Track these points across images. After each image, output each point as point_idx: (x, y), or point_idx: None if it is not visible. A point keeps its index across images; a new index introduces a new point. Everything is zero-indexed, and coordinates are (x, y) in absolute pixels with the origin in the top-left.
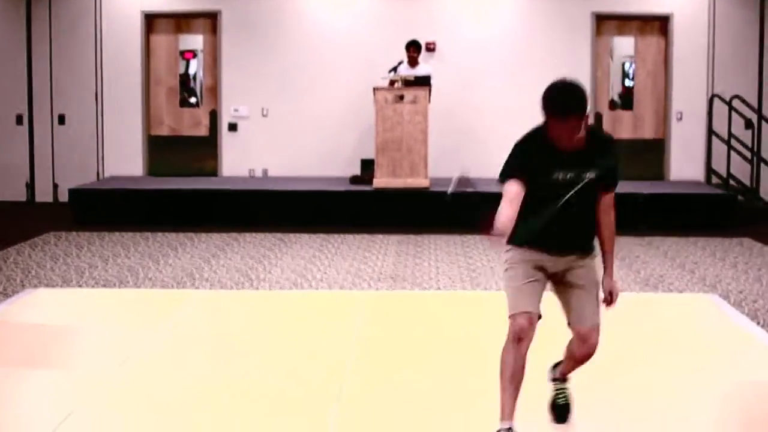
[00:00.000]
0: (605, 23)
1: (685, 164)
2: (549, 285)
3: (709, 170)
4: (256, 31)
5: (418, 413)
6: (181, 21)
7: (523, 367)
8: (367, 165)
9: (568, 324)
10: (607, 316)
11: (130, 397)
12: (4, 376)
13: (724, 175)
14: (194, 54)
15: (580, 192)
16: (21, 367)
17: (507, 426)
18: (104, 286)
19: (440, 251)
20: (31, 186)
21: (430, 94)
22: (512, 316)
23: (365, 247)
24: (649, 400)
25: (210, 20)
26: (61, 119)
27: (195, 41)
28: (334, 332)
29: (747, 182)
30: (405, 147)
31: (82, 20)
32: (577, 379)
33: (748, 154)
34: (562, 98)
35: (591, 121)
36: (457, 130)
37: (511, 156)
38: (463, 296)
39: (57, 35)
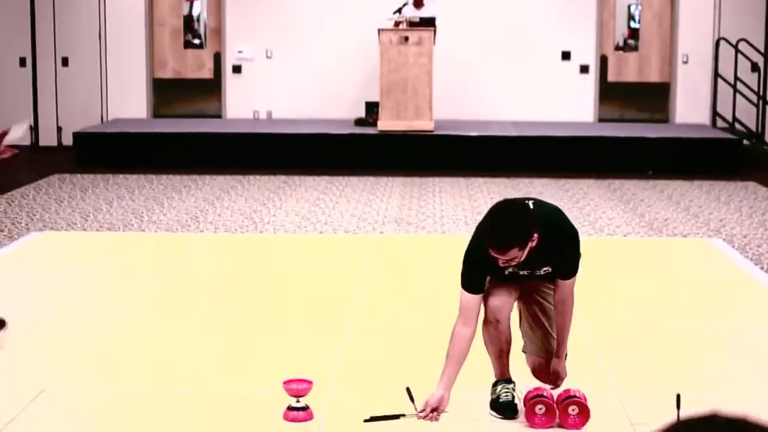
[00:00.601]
0: None
1: (691, 108)
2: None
3: (715, 114)
4: None
5: (422, 355)
6: None
7: (508, 341)
8: (372, 107)
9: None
10: (613, 261)
11: (136, 339)
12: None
13: (730, 119)
14: None
15: (537, 280)
16: (27, 309)
17: (505, 378)
18: (109, 229)
19: (444, 194)
20: (34, 129)
21: (435, 36)
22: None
23: (369, 190)
24: (652, 344)
25: None
26: (65, 61)
27: None
28: (338, 276)
29: (753, 126)
30: (410, 89)
31: None
32: (580, 323)
33: (754, 98)
34: (497, 237)
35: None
36: (461, 72)
37: (463, 266)
38: (467, 240)
39: None
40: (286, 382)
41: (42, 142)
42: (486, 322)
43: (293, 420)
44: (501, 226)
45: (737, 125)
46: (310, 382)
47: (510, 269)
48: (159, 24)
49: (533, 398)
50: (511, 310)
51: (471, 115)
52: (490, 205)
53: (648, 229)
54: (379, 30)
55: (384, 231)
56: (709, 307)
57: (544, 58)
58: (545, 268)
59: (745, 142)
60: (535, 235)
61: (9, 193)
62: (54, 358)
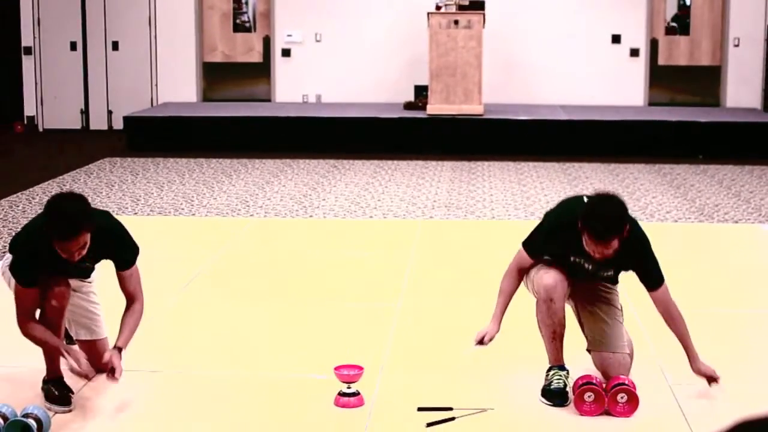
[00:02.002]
0: None
1: (742, 91)
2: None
3: (767, 97)
4: None
5: (472, 336)
6: None
7: (562, 324)
8: (421, 91)
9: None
10: (663, 247)
11: (187, 323)
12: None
13: None
14: None
15: (597, 278)
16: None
17: (559, 364)
18: (159, 213)
19: (494, 178)
20: (85, 113)
21: (484, 19)
22: (541, 277)
23: (419, 174)
24: (701, 331)
25: None
26: (115, 45)
27: None
28: (388, 261)
29: None
30: (459, 73)
31: None
32: (630, 309)
33: None
34: (602, 223)
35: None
36: (511, 55)
37: (539, 230)
38: (517, 225)
39: None
40: (337, 368)
41: (92, 126)
42: (539, 302)
43: (344, 406)
44: (605, 216)
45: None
46: (361, 368)
47: (578, 260)
48: (208, 8)
49: (582, 385)
50: (565, 292)
51: (520, 98)
52: (539, 189)
53: (698, 215)
54: (428, 13)
55: (433, 216)
56: (760, 294)
57: (594, 42)
58: (609, 272)
59: None
60: (627, 230)
61: (60, 177)
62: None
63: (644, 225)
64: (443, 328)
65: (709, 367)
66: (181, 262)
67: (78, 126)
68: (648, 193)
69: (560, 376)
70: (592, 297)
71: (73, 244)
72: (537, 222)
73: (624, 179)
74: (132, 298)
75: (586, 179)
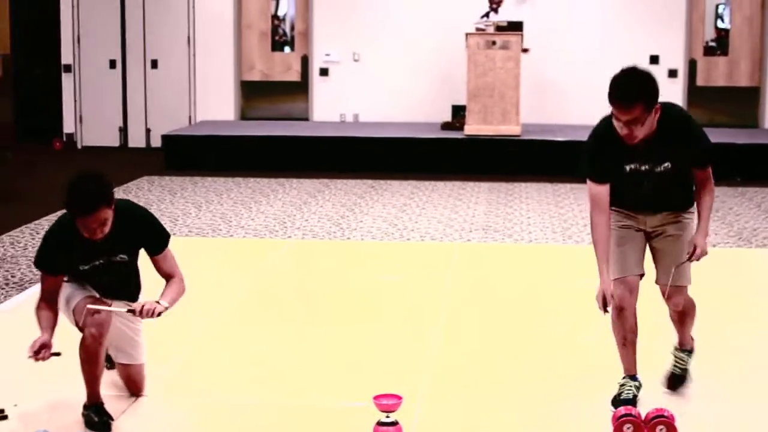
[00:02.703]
0: None
1: None
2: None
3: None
4: None
5: (511, 367)
6: None
7: (633, 329)
8: (458, 111)
9: (656, 281)
10: (700, 273)
11: (224, 346)
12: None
13: None
14: None
15: (659, 180)
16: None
17: (629, 374)
18: (197, 234)
19: (531, 200)
20: (124, 131)
21: (522, 40)
22: (614, 281)
23: (456, 196)
24: (741, 359)
25: None
26: (154, 64)
27: None
28: (426, 284)
29: None
30: (497, 93)
31: None
32: (663, 335)
33: None
34: (624, 84)
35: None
36: (549, 76)
37: (584, 153)
38: (555, 249)
39: None
40: (376, 398)
41: (131, 144)
42: (613, 311)
43: None
44: (626, 80)
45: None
46: (399, 398)
47: (633, 166)
48: (247, 26)
49: (621, 417)
50: (636, 297)
51: (558, 119)
52: (577, 212)
53: (737, 239)
54: (466, 34)
55: (471, 239)
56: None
57: (632, 62)
58: (665, 164)
59: None
60: (658, 106)
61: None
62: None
63: None
64: (482, 354)
65: (703, 247)
66: (217, 284)
67: (116, 144)
68: None
69: (630, 386)
70: (662, 242)
71: (92, 220)
72: (574, 246)
73: None
74: (171, 277)
75: None
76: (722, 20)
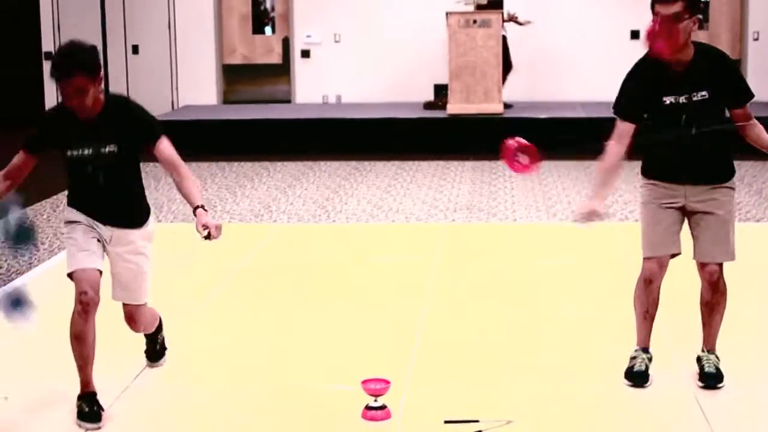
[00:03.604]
0: None
1: (763, 85)
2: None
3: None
4: None
5: (498, 348)
6: None
7: (655, 303)
8: (441, 91)
9: (694, 256)
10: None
11: (212, 331)
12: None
13: None
14: None
15: (696, 115)
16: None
17: (642, 346)
18: (183, 220)
19: (515, 179)
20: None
21: (503, 18)
22: (644, 259)
23: (440, 175)
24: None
25: None
26: (135, 49)
27: None
28: (411, 266)
29: None
30: (479, 72)
31: None
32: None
33: None
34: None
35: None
36: (529, 53)
37: (620, 89)
38: (540, 228)
39: None
40: (364, 382)
41: None
42: (639, 280)
43: (371, 419)
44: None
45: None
46: (387, 382)
47: (671, 99)
48: (227, 10)
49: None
50: (664, 273)
51: (539, 96)
52: (560, 189)
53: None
54: (446, 13)
55: (455, 218)
56: None
57: (612, 38)
58: (702, 93)
59: None
60: (695, 19)
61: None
62: (134, 351)
63: None
64: (469, 336)
65: None
66: (204, 270)
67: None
68: None
69: (643, 358)
70: (702, 214)
71: (67, 85)
72: (559, 223)
73: None
74: (174, 166)
75: None
76: None
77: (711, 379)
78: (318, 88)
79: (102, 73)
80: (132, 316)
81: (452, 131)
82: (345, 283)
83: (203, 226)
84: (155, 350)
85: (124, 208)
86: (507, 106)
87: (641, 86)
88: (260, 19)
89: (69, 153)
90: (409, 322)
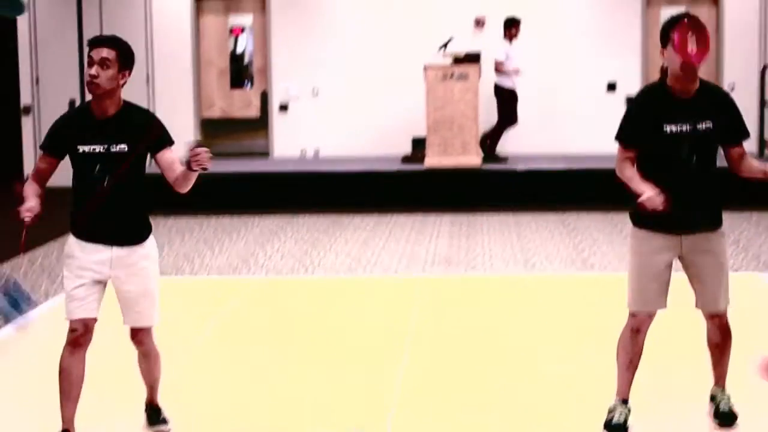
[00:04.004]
0: None
1: None
2: (678, 263)
3: (762, 142)
4: (305, 10)
5: (477, 400)
6: (230, 2)
7: (639, 354)
8: (419, 144)
9: (696, 305)
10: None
11: (190, 385)
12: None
13: None
14: (242, 29)
15: (698, 146)
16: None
17: (622, 397)
18: (161, 274)
19: (493, 231)
20: None
21: (480, 71)
22: (632, 312)
23: (418, 229)
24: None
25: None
26: None
27: (245, 21)
28: (390, 319)
29: None
30: (456, 125)
31: (132, 5)
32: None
33: None
34: (688, 15)
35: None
36: None
37: (623, 116)
38: (517, 280)
39: (108, 18)
40: None
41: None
42: (625, 329)
43: None
44: (687, 14)
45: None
46: None
47: (674, 127)
48: (206, 64)
49: None
50: (649, 325)
51: (517, 149)
52: (538, 242)
53: (756, 264)
54: (424, 66)
55: (433, 272)
56: (759, 345)
57: (589, 90)
58: (707, 123)
59: None
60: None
61: (61, 237)
62: (114, 406)
63: None
64: (448, 389)
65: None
66: (183, 325)
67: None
68: None
69: (622, 411)
70: (700, 258)
71: (96, 52)
72: (537, 275)
73: (622, 229)
74: (171, 168)
75: (585, 230)
76: None
77: (727, 418)
78: (296, 141)
79: (129, 72)
80: (142, 341)
81: (430, 184)
82: (323, 336)
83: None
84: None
85: (125, 218)
86: (501, 159)
87: (644, 113)
88: (239, 74)
89: (80, 149)
90: (388, 375)
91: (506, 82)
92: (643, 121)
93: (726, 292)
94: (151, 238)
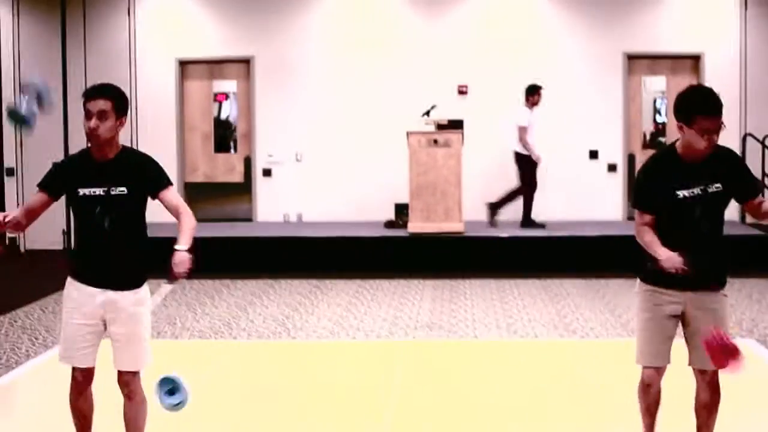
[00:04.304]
0: (636, 62)
1: None
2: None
3: (744, 210)
4: (289, 76)
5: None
6: (215, 67)
7: (656, 404)
8: (402, 209)
9: (689, 363)
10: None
11: None
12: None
13: None
14: (227, 96)
15: (708, 208)
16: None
17: None
18: None
19: (476, 297)
20: (67, 234)
21: (463, 138)
22: (644, 367)
23: (401, 294)
24: None
25: (243, 66)
26: None
27: (229, 87)
28: (372, 384)
29: None
30: (439, 191)
31: (116, 68)
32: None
33: None
34: (709, 96)
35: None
36: (490, 172)
37: (635, 184)
38: (500, 345)
39: (92, 82)
40: None
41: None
42: (640, 383)
43: None
44: (709, 94)
45: (766, 221)
46: None
47: (686, 192)
48: (190, 129)
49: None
50: (661, 379)
51: (501, 215)
52: (521, 307)
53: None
54: (407, 133)
55: (416, 336)
56: (743, 411)
57: (572, 158)
58: (716, 185)
59: None
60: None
61: (43, 299)
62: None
63: (625, 341)
64: None
65: None
66: None
67: (60, 247)
68: (629, 309)
69: None
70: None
71: (94, 104)
72: (520, 340)
73: (605, 294)
74: (179, 211)
75: (567, 296)
76: (660, 114)
77: None
78: (279, 206)
79: (125, 119)
80: (127, 384)
81: (413, 250)
82: (305, 399)
83: (174, 265)
84: None
85: (124, 261)
86: (539, 225)
87: (655, 181)
88: (222, 138)
89: (81, 192)
90: None
91: (521, 149)
92: (655, 188)
93: None
94: (146, 286)
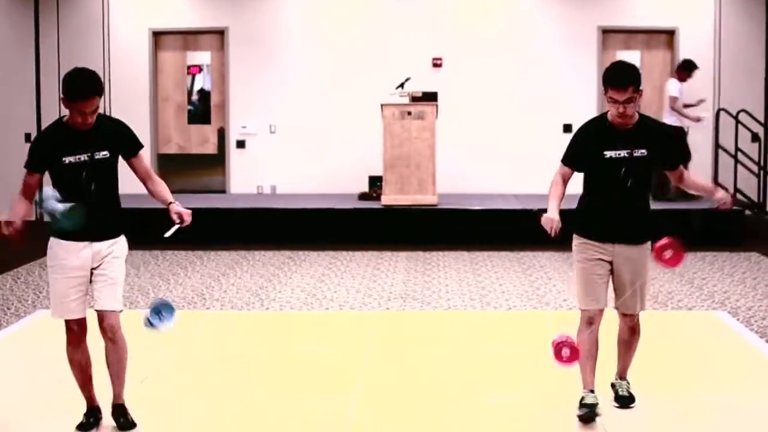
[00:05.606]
0: (611, 37)
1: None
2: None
3: (716, 184)
4: (263, 48)
5: None
6: (189, 38)
7: (595, 345)
8: (375, 182)
9: (614, 305)
10: (615, 334)
11: (142, 416)
12: (18, 403)
13: (731, 189)
14: (200, 69)
15: (633, 170)
16: (35, 387)
17: (589, 389)
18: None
19: (449, 269)
20: (40, 206)
21: (437, 110)
22: (583, 309)
23: (374, 265)
24: (658, 420)
25: (217, 37)
26: None
27: (203, 58)
28: (344, 354)
29: (754, 196)
30: (413, 163)
31: (89, 39)
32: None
33: (755, 168)
34: (620, 70)
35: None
36: (464, 145)
37: (570, 142)
38: (473, 316)
39: (65, 54)
40: None
41: (48, 219)
42: (580, 324)
43: None
44: (621, 67)
45: (739, 195)
46: None
47: (613, 154)
48: (163, 100)
49: (559, 343)
50: (601, 318)
51: (474, 188)
52: (494, 279)
53: (652, 302)
54: (381, 105)
55: (389, 307)
56: (713, 381)
57: (545, 131)
58: (642, 150)
59: (747, 212)
60: (641, 92)
61: (15, 270)
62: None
63: None
64: (402, 423)
65: (726, 196)
66: (136, 358)
67: (33, 218)
68: None
69: (591, 395)
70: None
71: (87, 105)
72: (492, 311)
73: None
74: (149, 176)
75: (540, 268)
76: None
77: (625, 400)
78: (253, 178)
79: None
80: (112, 326)
81: (387, 222)
82: (277, 368)
83: (176, 213)
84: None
85: (107, 216)
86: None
87: (587, 141)
88: (196, 109)
89: (66, 160)
90: (342, 410)
91: (673, 120)
92: (586, 148)
93: (642, 299)
94: (123, 236)
